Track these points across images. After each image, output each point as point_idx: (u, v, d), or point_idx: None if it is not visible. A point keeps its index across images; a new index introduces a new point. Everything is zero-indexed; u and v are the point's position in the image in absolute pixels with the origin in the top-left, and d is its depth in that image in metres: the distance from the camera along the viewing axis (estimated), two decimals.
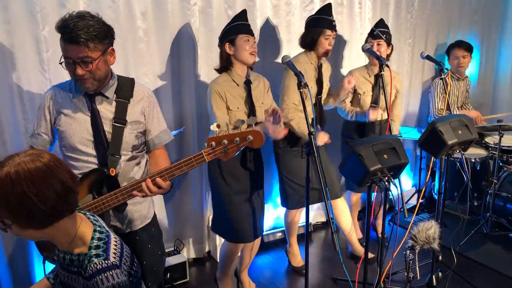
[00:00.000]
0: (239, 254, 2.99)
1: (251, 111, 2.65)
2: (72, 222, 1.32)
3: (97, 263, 1.27)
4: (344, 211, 3.27)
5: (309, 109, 2.89)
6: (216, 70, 2.72)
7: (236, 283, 3.09)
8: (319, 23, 2.99)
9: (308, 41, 3.04)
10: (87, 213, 1.46)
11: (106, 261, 1.28)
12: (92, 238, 1.34)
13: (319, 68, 3.08)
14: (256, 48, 2.66)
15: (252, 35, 2.65)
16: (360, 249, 3.42)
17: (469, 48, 4.12)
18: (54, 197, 1.20)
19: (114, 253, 1.32)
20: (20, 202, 1.17)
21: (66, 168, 1.27)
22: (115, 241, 1.37)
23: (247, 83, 2.67)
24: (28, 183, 1.17)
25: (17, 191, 1.16)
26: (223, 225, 2.80)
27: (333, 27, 2.99)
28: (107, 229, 1.42)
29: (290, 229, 3.39)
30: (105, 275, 1.25)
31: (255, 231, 2.80)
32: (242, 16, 2.67)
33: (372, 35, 3.34)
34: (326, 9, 3.01)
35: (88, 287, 1.26)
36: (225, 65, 2.65)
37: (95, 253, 1.29)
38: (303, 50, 3.13)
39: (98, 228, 1.38)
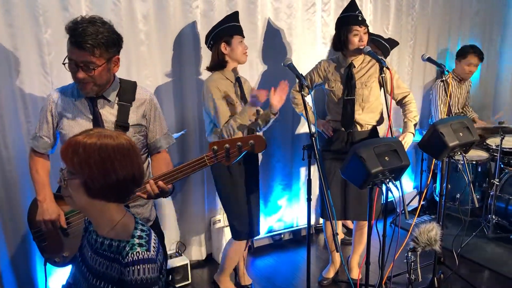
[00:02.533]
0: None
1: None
2: (119, 210, 1.38)
3: (140, 252, 1.29)
4: (363, 235, 3.16)
5: (311, 112, 2.92)
6: (208, 68, 2.77)
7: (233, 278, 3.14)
8: (344, 21, 2.87)
9: (339, 43, 2.90)
10: (129, 210, 1.51)
11: (148, 253, 1.31)
12: (135, 229, 1.38)
13: (349, 68, 2.91)
14: (247, 48, 2.75)
15: (244, 36, 2.74)
16: (355, 273, 3.25)
17: (482, 58, 4.10)
18: (130, 173, 1.31)
19: (154, 247, 1.35)
20: (103, 161, 1.26)
21: (142, 159, 1.38)
22: (155, 238, 1.41)
23: (238, 80, 2.76)
24: (116, 151, 1.28)
25: (104, 152, 1.27)
26: (230, 222, 2.87)
27: (359, 22, 2.81)
28: (148, 227, 1.46)
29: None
30: (143, 266, 1.28)
31: (253, 229, 2.87)
32: (235, 17, 2.73)
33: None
34: (350, 6, 2.90)
35: (122, 273, 1.29)
36: (219, 63, 2.71)
37: (138, 242, 1.33)
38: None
39: (140, 222, 1.43)
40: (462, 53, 4.11)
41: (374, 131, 3.03)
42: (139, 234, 1.36)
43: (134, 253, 1.29)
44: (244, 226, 2.83)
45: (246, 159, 2.72)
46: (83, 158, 1.26)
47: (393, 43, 3.60)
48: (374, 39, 3.48)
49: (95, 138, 1.28)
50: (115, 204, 1.35)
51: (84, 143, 1.26)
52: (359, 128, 2.97)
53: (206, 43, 2.79)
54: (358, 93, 2.91)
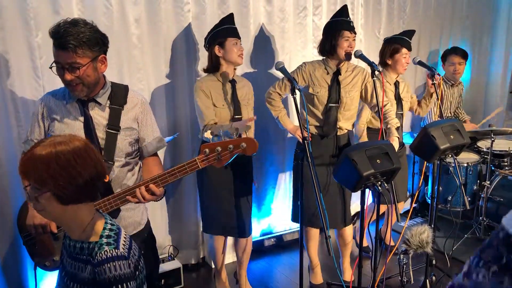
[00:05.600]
0: (223, 252, 3.07)
1: (236, 109, 2.74)
2: (89, 212, 1.39)
3: (108, 250, 1.32)
4: (348, 240, 3.17)
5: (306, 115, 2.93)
6: (204, 70, 2.82)
7: (234, 285, 3.15)
8: (336, 26, 2.86)
9: (327, 47, 2.88)
10: (99, 210, 1.52)
11: (116, 250, 1.33)
12: (104, 229, 1.40)
13: (336, 74, 2.90)
14: (243, 50, 2.77)
15: (239, 38, 2.76)
16: (348, 275, 3.25)
17: (464, 55, 4.13)
18: (93, 171, 1.32)
19: (124, 245, 1.37)
20: (66, 169, 1.27)
21: (98, 152, 1.40)
22: (125, 235, 1.44)
23: (232, 82, 2.77)
24: (75, 155, 1.29)
25: (61, 160, 1.26)
26: (203, 216, 2.97)
27: (351, 28, 2.82)
28: (118, 224, 1.48)
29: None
30: (113, 264, 1.30)
31: (227, 228, 2.89)
32: (229, 19, 2.75)
33: (409, 46, 3.32)
34: (342, 11, 2.90)
35: (95, 274, 1.31)
36: (214, 65, 2.74)
37: (106, 241, 1.35)
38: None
39: (109, 221, 1.45)
40: (443, 56, 4.24)
41: (349, 136, 3.08)
42: (107, 233, 1.38)
43: (102, 252, 1.31)
44: (208, 220, 2.91)
45: (238, 161, 2.75)
46: (43, 171, 1.26)
47: (409, 34, 3.45)
48: (390, 39, 3.44)
49: (49, 148, 1.28)
50: (86, 205, 1.37)
51: (40, 156, 1.26)
52: (338, 132, 2.99)
53: (204, 45, 2.81)
54: (341, 100, 2.92)
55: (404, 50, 3.32)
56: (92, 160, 1.32)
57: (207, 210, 2.90)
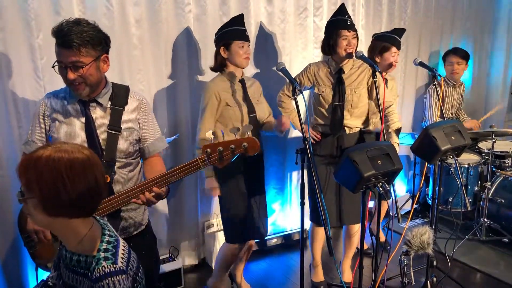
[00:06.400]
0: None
1: (250, 107, 2.75)
2: (85, 224, 1.34)
3: (106, 266, 1.27)
4: (355, 238, 3.18)
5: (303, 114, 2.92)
6: (211, 69, 2.81)
7: (230, 285, 3.12)
8: (333, 25, 2.88)
9: (327, 47, 2.91)
10: (97, 217, 1.47)
11: (114, 265, 1.28)
12: (102, 241, 1.35)
13: (339, 73, 2.91)
14: (249, 52, 2.74)
15: (247, 40, 2.72)
16: (347, 277, 3.25)
17: (464, 56, 4.13)
18: (84, 189, 1.24)
19: (122, 258, 1.33)
20: (53, 180, 1.21)
21: (102, 169, 1.32)
22: (123, 246, 1.39)
23: (242, 81, 2.76)
24: (68, 167, 1.22)
25: (54, 169, 1.21)
26: (224, 225, 2.91)
27: (348, 27, 2.81)
28: (116, 233, 1.44)
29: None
30: (112, 279, 1.26)
31: (249, 233, 2.86)
32: (239, 21, 2.72)
33: (399, 45, 3.29)
34: (340, 10, 2.91)
35: None
36: (220, 65, 2.74)
37: (103, 256, 1.30)
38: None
39: (107, 232, 1.39)
40: (444, 57, 4.26)
41: (361, 134, 3.04)
42: (104, 247, 1.33)
43: (100, 268, 1.27)
44: (236, 229, 2.84)
45: (250, 163, 2.76)
46: (34, 175, 1.21)
47: (400, 32, 3.42)
48: (380, 36, 3.42)
49: (50, 152, 1.23)
50: (80, 218, 1.31)
51: (38, 159, 1.22)
52: (347, 131, 2.97)
53: (214, 41, 2.80)
54: (347, 99, 2.91)
55: (393, 49, 3.31)
56: (85, 177, 1.24)
57: (231, 222, 2.84)
